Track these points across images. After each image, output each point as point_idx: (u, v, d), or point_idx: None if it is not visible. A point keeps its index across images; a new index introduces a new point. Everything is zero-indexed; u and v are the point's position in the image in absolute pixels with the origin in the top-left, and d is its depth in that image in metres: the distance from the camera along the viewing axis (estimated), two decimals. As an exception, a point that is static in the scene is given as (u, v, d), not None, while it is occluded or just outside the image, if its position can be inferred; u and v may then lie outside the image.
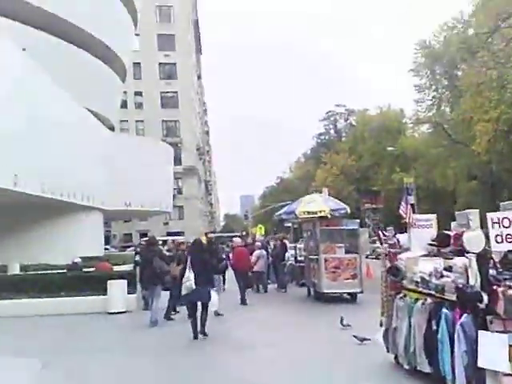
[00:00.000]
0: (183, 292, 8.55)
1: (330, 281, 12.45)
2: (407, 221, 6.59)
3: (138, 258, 16.70)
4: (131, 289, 12.18)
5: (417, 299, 5.92)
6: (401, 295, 6.29)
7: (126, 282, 12.08)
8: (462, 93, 32.37)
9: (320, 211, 12.98)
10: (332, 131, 66.72)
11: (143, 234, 44.03)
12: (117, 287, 11.88)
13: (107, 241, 42.31)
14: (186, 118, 55.88)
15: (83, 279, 12.61)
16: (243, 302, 12.73)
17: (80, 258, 16.79)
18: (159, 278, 10.12)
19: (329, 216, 12.90)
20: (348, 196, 43.24)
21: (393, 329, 6.31)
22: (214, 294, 8.82)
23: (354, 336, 7.61)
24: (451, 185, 36.48)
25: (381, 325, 6.73)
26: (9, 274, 13.68)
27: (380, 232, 7.65)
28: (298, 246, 17.68)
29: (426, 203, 37.11)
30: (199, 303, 8.64)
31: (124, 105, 52.85)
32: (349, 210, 13.93)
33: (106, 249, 30.97)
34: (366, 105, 71.96)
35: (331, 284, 12.44)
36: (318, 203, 13.50)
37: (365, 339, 7.44)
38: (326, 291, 12.53)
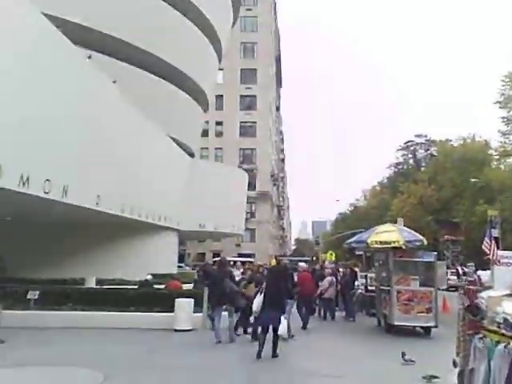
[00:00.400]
0: (253, 309, 9.11)
1: (401, 313, 11.88)
2: (490, 257, 5.92)
3: (196, 276, 16.78)
4: (198, 308, 12.13)
5: (498, 341, 5.27)
6: (480, 336, 5.66)
7: (192, 300, 12.04)
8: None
9: (394, 242, 12.35)
10: (411, 161, 64.44)
11: (216, 254, 44.70)
12: (184, 305, 11.88)
13: (181, 259, 43.34)
14: (263, 147, 56.77)
15: (153, 296, 12.76)
16: (305, 327, 12.41)
17: (152, 274, 17.26)
18: (228, 298, 10.20)
19: (403, 247, 12.25)
20: (426, 226, 41.00)
21: (469, 370, 5.63)
22: (283, 319, 8.76)
23: (424, 377, 6.94)
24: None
25: (454, 365, 6.08)
26: (84, 287, 14.19)
27: (459, 267, 6.93)
28: (369, 275, 16.86)
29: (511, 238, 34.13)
30: (270, 326, 8.67)
31: (205, 133, 55.13)
32: (425, 242, 13.08)
33: (179, 266, 31.56)
34: (448, 135, 68.84)
35: (403, 316, 11.85)
36: (392, 233, 12.84)
37: (433, 377, 6.90)
38: (397, 323, 11.91)
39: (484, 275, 6.16)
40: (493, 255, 5.74)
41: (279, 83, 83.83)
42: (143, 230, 21.70)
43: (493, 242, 5.88)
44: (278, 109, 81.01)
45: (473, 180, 39.15)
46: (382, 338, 11.57)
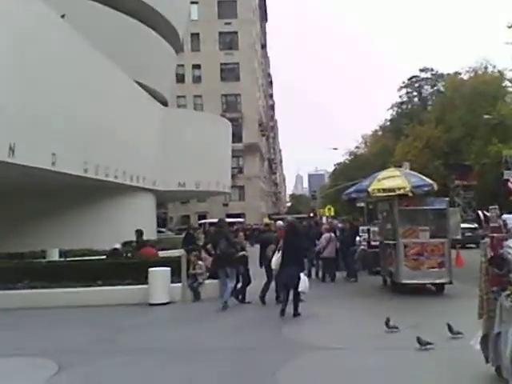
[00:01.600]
0: (274, 273, 10.31)
1: (410, 269, 11.53)
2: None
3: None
4: (177, 277, 11.65)
5: None
6: (507, 293, 5.24)
7: (169, 269, 11.52)
8: None
9: (399, 188, 11.77)
10: (416, 99, 63.41)
11: (201, 216, 44.43)
12: (159, 275, 11.37)
13: (163, 223, 43.00)
14: (248, 92, 55.37)
15: (123, 267, 12.21)
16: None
17: (127, 242, 16.66)
18: (225, 261, 10.74)
19: (410, 194, 11.66)
20: (434, 172, 40.61)
21: (495, 334, 5.37)
22: (303, 276, 9.53)
23: (418, 338, 6.74)
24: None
25: (450, 330, 5.67)
26: (44, 261, 13.63)
27: (480, 212, 6.30)
28: (372, 229, 16.45)
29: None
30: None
31: (181, 79, 53.50)
32: (436, 187, 12.53)
33: (160, 232, 31.18)
34: (457, 67, 67.58)
35: (412, 273, 11.51)
36: (397, 179, 12.24)
37: (428, 343, 6.69)
38: (405, 281, 11.54)
39: (510, 219, 5.55)
40: (522, 194, 5.08)
41: (264, 17, 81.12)
42: (113, 192, 20.95)
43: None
44: (263, 47, 78.79)
45: (485, 117, 38.44)
46: (388, 300, 11.18)
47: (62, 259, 14.65)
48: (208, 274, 11.92)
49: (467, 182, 42.18)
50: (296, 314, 9.36)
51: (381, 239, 13.67)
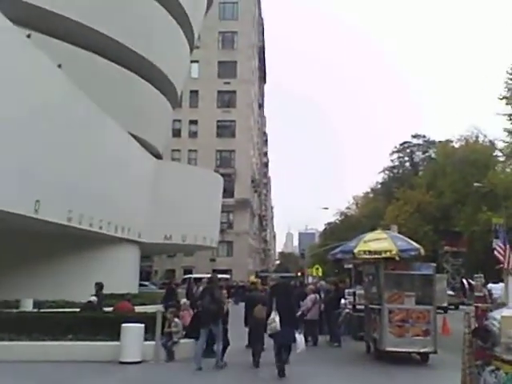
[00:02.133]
0: (268, 332, 9.72)
1: (394, 337, 11.08)
2: (505, 266, 5.08)
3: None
4: (151, 335, 11.10)
5: None
6: (491, 368, 4.87)
7: (143, 326, 10.98)
8: None
9: (385, 251, 11.53)
10: (407, 164, 64.35)
11: (188, 271, 43.53)
12: (132, 332, 10.82)
13: (147, 277, 42.06)
14: (243, 148, 55.96)
15: (96, 321, 11.67)
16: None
17: (107, 295, 16.09)
18: (209, 319, 10.29)
19: (396, 258, 11.39)
20: (424, 237, 40.52)
21: None
22: (298, 335, 9.56)
23: None
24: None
25: None
26: (15, 311, 13.01)
27: (464, 280, 6.03)
28: (358, 291, 16.03)
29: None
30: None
31: (177, 134, 54.12)
32: (422, 252, 12.28)
33: (143, 285, 30.43)
34: (448, 135, 68.99)
35: (396, 341, 11.05)
36: (383, 241, 12.01)
37: None
38: (389, 349, 11.07)
39: (496, 289, 5.30)
40: (509, 263, 4.87)
41: (263, 78, 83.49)
42: (96, 242, 20.55)
43: (507, 247, 4.99)
44: (260, 107, 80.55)
45: (476, 185, 38.81)
46: (371, 368, 10.68)
47: (34, 310, 14.03)
48: (184, 332, 11.39)
49: (457, 249, 42.10)
50: (283, 375, 9.31)
51: (366, 303, 13.25)
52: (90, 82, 19.24)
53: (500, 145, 42.57)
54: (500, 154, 42.95)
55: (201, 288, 17.75)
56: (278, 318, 9.45)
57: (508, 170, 44.03)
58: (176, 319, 11.54)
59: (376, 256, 11.70)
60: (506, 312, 5.01)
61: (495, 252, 5.24)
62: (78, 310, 13.27)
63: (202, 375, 9.68)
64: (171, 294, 17.15)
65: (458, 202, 45.15)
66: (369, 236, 12.63)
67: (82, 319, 11.76)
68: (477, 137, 48.70)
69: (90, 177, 18.12)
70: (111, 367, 10.29)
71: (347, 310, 15.34)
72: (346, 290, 16.97)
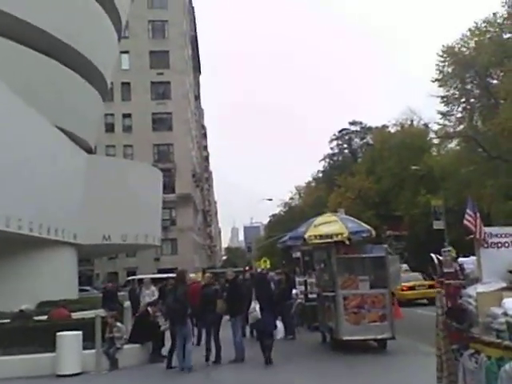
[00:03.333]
0: (250, 321, 10.54)
1: (351, 324, 10.72)
2: (477, 236, 4.66)
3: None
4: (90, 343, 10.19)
5: (501, 358, 4.04)
6: (470, 351, 4.45)
7: (81, 334, 10.05)
8: (498, 102, 31.01)
9: (336, 234, 11.13)
10: (346, 151, 65.37)
11: (131, 273, 41.98)
12: (69, 341, 9.87)
13: (89, 281, 40.27)
14: (181, 142, 54.62)
15: (29, 331, 10.64)
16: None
17: (43, 302, 15.14)
18: (175, 319, 9.89)
19: (346, 242, 11.03)
20: (367, 222, 40.74)
21: None
22: (278, 322, 10.50)
23: None
24: (486, 206, 34.30)
25: None
26: None
27: (433, 255, 5.63)
28: (309, 280, 15.68)
29: (457, 228, 34.84)
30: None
31: (111, 129, 52.08)
32: (373, 233, 12.05)
33: (84, 290, 28.98)
34: (384, 120, 70.84)
35: (353, 328, 10.69)
36: (334, 224, 11.62)
37: None
38: (346, 338, 10.69)
39: (468, 263, 4.90)
40: (480, 233, 4.45)
41: (197, 69, 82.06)
42: (27, 246, 19.11)
43: (478, 215, 4.58)
44: (197, 98, 79.20)
45: (413, 168, 39.74)
46: (328, 359, 10.31)
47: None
48: (128, 337, 10.55)
49: (399, 233, 43.07)
50: (269, 361, 9.68)
51: (319, 291, 12.85)
52: (7, 70, 17.77)
53: (435, 127, 43.85)
54: (434, 136, 44.18)
55: (145, 290, 17.10)
56: (258, 307, 10.02)
57: (443, 152, 45.52)
58: (118, 323, 10.69)
59: (328, 240, 11.31)
60: (480, 288, 4.62)
61: (465, 221, 4.81)
62: (7, 320, 12.10)
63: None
64: (111, 297, 16.23)
65: (397, 186, 46.22)
66: (318, 220, 12.19)
67: (12, 330, 10.72)
68: (412, 121, 50.04)
69: (14, 175, 16.74)
70: (48, 382, 9.35)
71: (299, 300, 14.95)
72: (297, 279, 16.57)
